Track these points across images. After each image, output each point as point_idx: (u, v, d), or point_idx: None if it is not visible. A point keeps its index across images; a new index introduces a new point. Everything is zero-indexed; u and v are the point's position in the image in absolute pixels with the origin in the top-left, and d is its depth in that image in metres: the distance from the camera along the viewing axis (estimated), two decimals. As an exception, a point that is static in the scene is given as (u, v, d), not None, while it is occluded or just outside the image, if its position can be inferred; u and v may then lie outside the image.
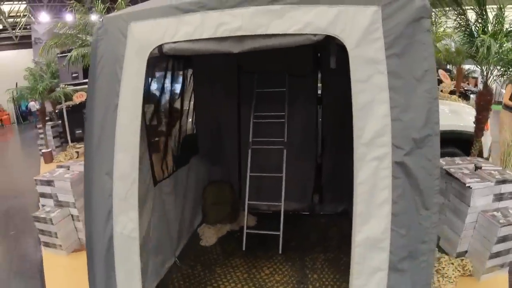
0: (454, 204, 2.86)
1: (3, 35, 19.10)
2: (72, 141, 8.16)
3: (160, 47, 1.84)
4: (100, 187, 1.93)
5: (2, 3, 16.12)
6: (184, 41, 1.79)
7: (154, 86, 3.47)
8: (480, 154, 3.81)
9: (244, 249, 3.39)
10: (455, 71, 9.52)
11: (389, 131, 1.56)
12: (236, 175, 4.32)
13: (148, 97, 3.92)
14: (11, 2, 16.79)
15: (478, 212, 2.71)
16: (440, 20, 5.45)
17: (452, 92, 7.61)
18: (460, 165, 3.06)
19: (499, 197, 2.76)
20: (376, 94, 1.57)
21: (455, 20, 3.55)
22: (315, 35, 1.63)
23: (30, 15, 18.08)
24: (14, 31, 18.21)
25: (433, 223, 1.58)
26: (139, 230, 2.09)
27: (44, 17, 16.38)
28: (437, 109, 1.55)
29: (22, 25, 18.24)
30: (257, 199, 3.73)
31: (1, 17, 17.08)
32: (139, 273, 1.91)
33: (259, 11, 1.65)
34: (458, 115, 3.99)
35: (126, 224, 1.90)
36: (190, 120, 3.96)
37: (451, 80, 8.30)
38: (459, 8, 3.47)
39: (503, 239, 2.55)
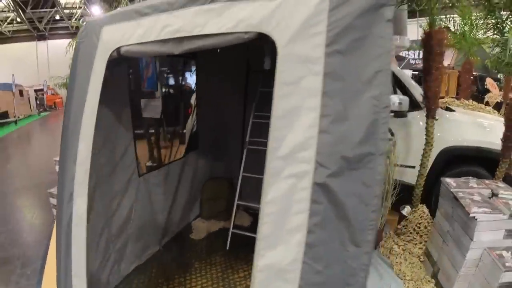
0: (457, 234, 2.46)
1: (60, 24, 20.54)
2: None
3: (118, 49, 1.88)
4: (67, 172, 2.08)
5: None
6: (136, 43, 1.80)
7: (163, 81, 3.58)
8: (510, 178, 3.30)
9: (227, 248, 3.35)
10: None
11: (314, 145, 1.28)
12: (237, 174, 4.22)
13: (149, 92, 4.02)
14: (69, -5, 17.98)
15: (483, 248, 2.29)
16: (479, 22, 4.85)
17: (498, 104, 6.91)
18: (473, 189, 2.64)
19: (514, 234, 2.32)
20: (304, 99, 1.31)
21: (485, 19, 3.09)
22: (246, 33, 1.46)
23: (85, 7, 19.28)
24: (70, 21, 19.52)
25: (363, 265, 1.25)
26: (118, 214, 2.58)
27: (96, 10, 17.32)
28: (385, 122, 1.22)
29: (78, 16, 19.49)
30: (253, 199, 3.57)
31: (58, 8, 18.31)
32: (85, 248, 2.02)
33: (200, 11, 1.57)
34: (487, 130, 3.46)
35: (80, 206, 2.03)
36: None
37: (499, 90, 7.56)
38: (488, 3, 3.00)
39: (507, 287, 2.12)
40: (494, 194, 2.54)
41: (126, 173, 2.78)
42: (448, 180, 2.78)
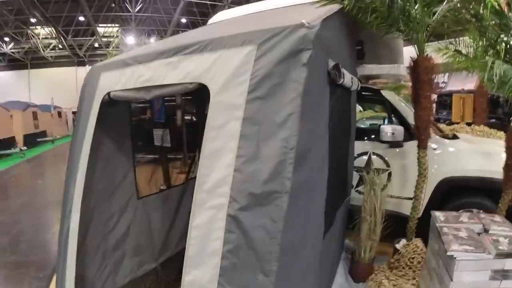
0: (441, 273, 2.34)
1: (98, 51, 21.97)
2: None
3: (108, 94, 2.15)
4: (69, 191, 2.37)
5: (97, 25, 18.57)
6: (120, 90, 2.07)
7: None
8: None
9: None
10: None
11: (230, 182, 1.42)
12: None
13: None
14: (105, 25, 19.28)
15: (465, 290, 2.17)
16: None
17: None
18: (462, 224, 2.51)
19: (502, 275, 2.17)
20: (226, 142, 1.46)
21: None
22: (190, 83, 1.67)
23: (122, 36, 20.59)
24: (107, 49, 20.88)
25: None
26: (115, 231, 2.83)
27: (130, 39, 18.46)
28: (292, 162, 1.33)
29: (115, 45, 20.81)
30: None
31: (97, 36, 19.63)
32: (75, 257, 2.27)
33: (163, 64, 1.82)
34: (491, 158, 3.26)
35: (74, 220, 2.28)
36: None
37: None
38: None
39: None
40: (486, 230, 2.42)
41: (125, 196, 3.01)
42: (438, 213, 2.68)
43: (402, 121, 3.53)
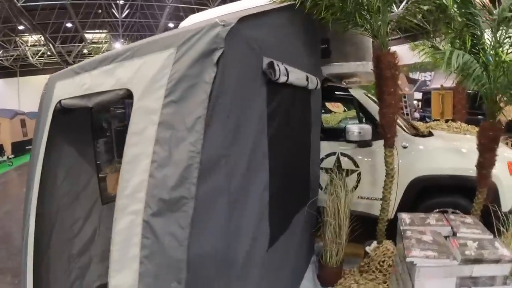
0: (405, 278, 2.21)
1: (88, 57, 21.83)
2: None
3: (60, 102, 2.18)
4: (30, 194, 2.38)
5: (85, 31, 18.46)
6: (69, 97, 2.11)
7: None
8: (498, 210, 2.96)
9: None
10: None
11: (145, 187, 1.41)
12: None
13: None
14: (93, 31, 19.17)
15: (429, 298, 2.03)
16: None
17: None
18: (428, 227, 2.38)
19: (471, 282, 2.02)
20: (145, 147, 1.46)
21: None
22: (120, 90, 1.69)
23: (111, 42, 20.46)
24: (97, 55, 20.73)
25: None
26: (80, 236, 2.82)
27: (118, 45, 18.36)
28: (197, 166, 1.30)
29: (104, 51, 20.70)
30: None
31: (86, 43, 19.51)
32: (32, 260, 2.29)
33: (102, 72, 1.86)
34: (464, 155, 3.14)
35: (32, 225, 2.31)
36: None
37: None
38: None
39: None
40: (453, 233, 2.29)
41: (89, 201, 2.99)
42: (404, 215, 2.55)
43: (371, 119, 3.41)
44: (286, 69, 1.99)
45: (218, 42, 1.36)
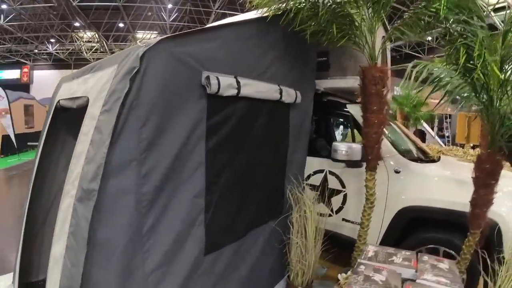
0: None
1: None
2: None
3: (59, 101, 2.49)
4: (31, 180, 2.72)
5: (136, 31, 19.50)
6: (63, 99, 2.44)
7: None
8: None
9: None
10: None
11: (79, 178, 1.69)
12: None
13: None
14: (143, 31, 20.17)
15: None
16: None
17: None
18: (391, 265, 2.11)
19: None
20: (85, 146, 1.73)
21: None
22: (85, 97, 1.98)
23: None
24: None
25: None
26: None
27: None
28: (104, 166, 1.56)
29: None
30: None
31: (136, 42, 20.55)
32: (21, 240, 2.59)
33: (82, 79, 2.21)
34: (467, 188, 2.74)
35: (26, 205, 2.66)
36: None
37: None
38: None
39: None
40: (411, 279, 2.01)
41: None
42: (370, 247, 2.32)
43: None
44: (238, 83, 2.10)
45: (136, 61, 1.60)
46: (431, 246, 2.80)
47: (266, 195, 2.64)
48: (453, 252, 2.69)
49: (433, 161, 3.36)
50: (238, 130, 2.24)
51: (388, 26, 3.71)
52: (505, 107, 2.19)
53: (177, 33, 1.87)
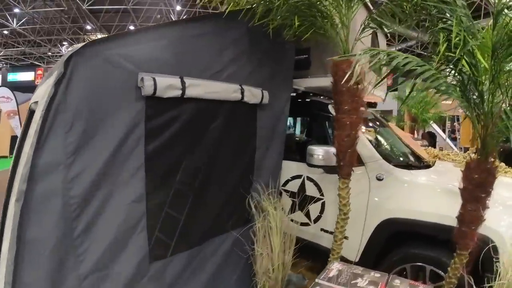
0: None
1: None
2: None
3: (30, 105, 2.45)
4: None
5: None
6: (33, 102, 2.34)
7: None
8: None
9: None
10: None
11: (19, 178, 1.64)
12: None
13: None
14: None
15: None
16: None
17: None
18: None
19: None
20: (27, 148, 1.68)
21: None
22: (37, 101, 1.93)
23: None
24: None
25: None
26: None
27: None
28: (27, 170, 1.59)
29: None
30: None
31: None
32: None
33: (44, 83, 2.13)
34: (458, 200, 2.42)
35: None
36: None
37: None
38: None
39: None
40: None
41: None
42: (336, 265, 2.06)
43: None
44: (184, 83, 2.00)
45: (61, 66, 1.61)
46: (416, 264, 2.48)
47: (226, 202, 2.46)
48: (441, 272, 2.36)
49: (427, 166, 3.04)
50: (187, 132, 2.13)
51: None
52: (500, 104, 1.89)
53: (112, 34, 1.91)
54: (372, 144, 2.88)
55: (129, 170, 1.86)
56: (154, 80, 1.86)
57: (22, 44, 19.61)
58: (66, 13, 16.74)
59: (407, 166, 2.92)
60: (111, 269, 1.83)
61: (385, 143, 3.20)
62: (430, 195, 2.55)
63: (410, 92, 2.05)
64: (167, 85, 1.93)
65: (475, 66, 1.83)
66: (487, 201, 1.99)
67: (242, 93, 2.36)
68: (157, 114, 1.97)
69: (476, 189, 1.96)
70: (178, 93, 1.99)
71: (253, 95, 2.45)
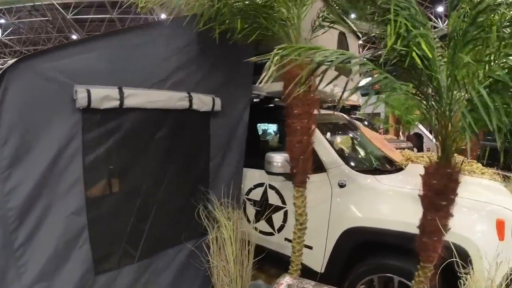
0: None
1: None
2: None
3: None
4: None
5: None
6: None
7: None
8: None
9: None
10: None
11: None
12: None
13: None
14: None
15: None
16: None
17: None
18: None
19: None
20: None
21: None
22: None
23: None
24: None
25: None
26: None
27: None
28: None
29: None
30: None
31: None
32: None
33: None
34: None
35: None
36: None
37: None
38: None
39: None
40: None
41: None
42: (287, 279, 1.92)
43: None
44: (122, 94, 1.97)
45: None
46: (384, 275, 2.35)
47: (178, 213, 2.40)
48: (410, 283, 2.22)
49: (398, 170, 2.92)
50: (129, 143, 2.11)
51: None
52: (460, 100, 1.73)
53: (48, 47, 1.89)
54: (336, 149, 2.77)
55: (67, 182, 1.86)
56: (89, 91, 1.84)
57: (8, 55, 19.44)
58: (51, 23, 16.63)
59: (373, 171, 2.80)
60: (55, 280, 1.85)
61: (351, 148, 3.09)
62: (394, 201, 2.43)
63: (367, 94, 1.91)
64: (103, 96, 1.90)
65: (428, 59, 1.69)
66: (450, 210, 1.83)
67: (191, 100, 2.29)
68: (95, 126, 1.95)
69: (436, 197, 1.79)
70: (116, 103, 1.96)
71: (204, 102, 2.36)
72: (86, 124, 1.90)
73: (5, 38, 16.83)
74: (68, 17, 14.55)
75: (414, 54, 1.62)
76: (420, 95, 1.86)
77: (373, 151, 3.28)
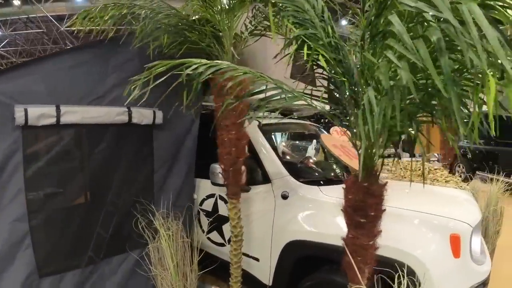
0: None
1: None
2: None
3: None
4: None
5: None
6: None
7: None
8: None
9: None
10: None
11: None
12: None
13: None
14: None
15: None
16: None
17: None
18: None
19: None
20: None
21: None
22: None
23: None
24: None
25: None
26: None
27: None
28: None
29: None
30: None
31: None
32: None
33: None
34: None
35: None
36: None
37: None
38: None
39: None
40: None
41: None
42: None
43: (255, 159, 2.76)
44: (59, 111, 2.13)
45: None
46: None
47: (121, 223, 2.52)
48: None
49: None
50: (69, 156, 2.31)
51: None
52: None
53: None
54: (283, 160, 2.79)
55: (10, 193, 2.05)
56: (26, 110, 2.02)
57: (4, 66, 19.68)
58: (47, 35, 16.85)
59: (319, 181, 2.77)
60: (2, 279, 2.03)
61: (302, 158, 3.11)
62: (336, 214, 2.36)
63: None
64: (40, 114, 2.07)
65: (340, 61, 1.57)
66: (373, 228, 1.65)
67: (130, 115, 2.39)
68: (35, 141, 2.16)
69: (354, 214, 1.64)
70: (52, 120, 2.12)
71: (144, 116, 2.46)
72: (26, 140, 2.09)
73: (2, 49, 17.05)
74: (62, 29, 14.73)
75: (320, 56, 1.53)
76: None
77: (328, 160, 3.30)
